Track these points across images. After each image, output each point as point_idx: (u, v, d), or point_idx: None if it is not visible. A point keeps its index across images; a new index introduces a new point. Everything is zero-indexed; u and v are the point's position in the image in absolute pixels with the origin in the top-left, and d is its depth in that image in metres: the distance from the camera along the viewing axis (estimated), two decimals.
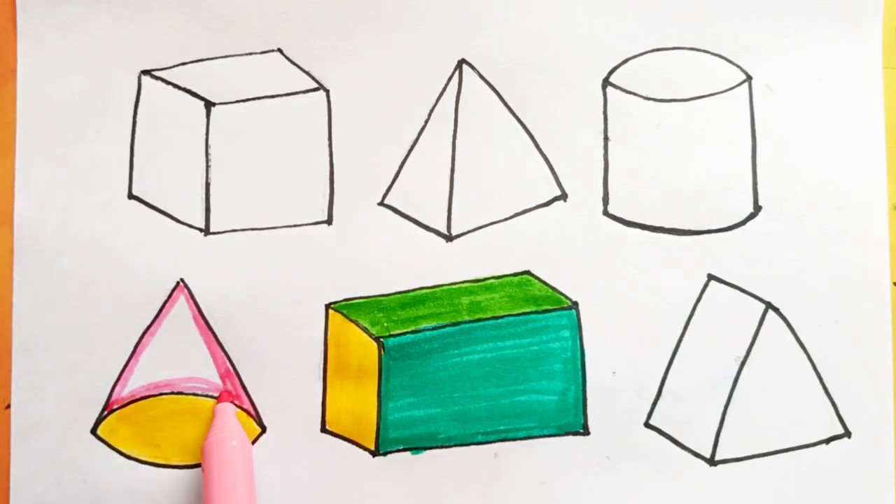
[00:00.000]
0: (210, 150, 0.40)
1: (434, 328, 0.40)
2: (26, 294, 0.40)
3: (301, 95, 0.41)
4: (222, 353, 0.40)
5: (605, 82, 0.41)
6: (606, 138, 0.41)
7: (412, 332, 0.40)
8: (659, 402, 0.40)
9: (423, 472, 0.40)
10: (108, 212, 0.40)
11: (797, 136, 0.41)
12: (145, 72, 0.41)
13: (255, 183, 0.40)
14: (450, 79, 0.41)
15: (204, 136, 0.40)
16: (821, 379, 0.40)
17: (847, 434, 0.40)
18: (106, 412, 0.40)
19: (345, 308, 0.40)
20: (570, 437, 0.40)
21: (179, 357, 0.40)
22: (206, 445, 0.37)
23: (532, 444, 0.40)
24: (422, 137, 0.41)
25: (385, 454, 0.40)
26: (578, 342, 0.40)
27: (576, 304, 0.40)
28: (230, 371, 0.40)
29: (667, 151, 0.41)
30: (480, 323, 0.40)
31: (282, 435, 0.40)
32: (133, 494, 0.39)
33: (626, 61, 0.41)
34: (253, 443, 0.40)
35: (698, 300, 0.40)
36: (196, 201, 0.40)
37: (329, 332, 0.40)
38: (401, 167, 0.41)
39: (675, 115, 0.41)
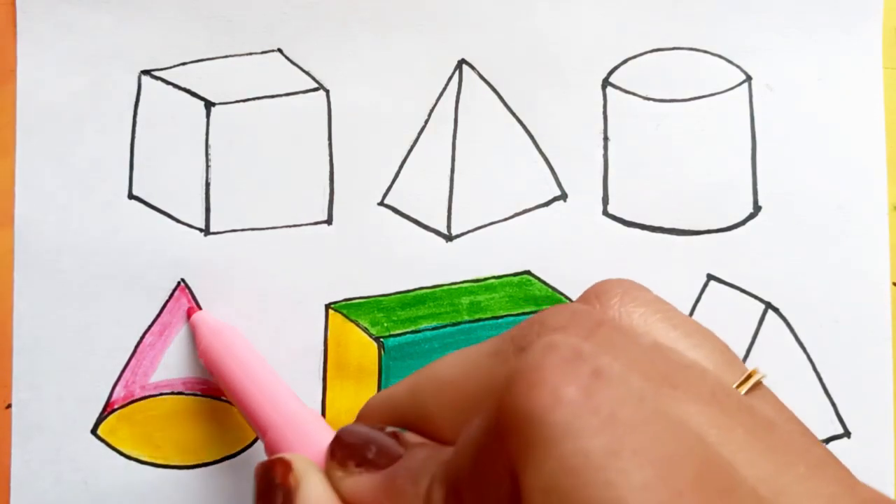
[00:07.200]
0: (210, 150, 0.40)
1: (434, 328, 0.40)
2: (26, 294, 0.40)
3: (301, 95, 0.41)
4: None
5: (605, 82, 0.41)
6: (606, 138, 0.41)
7: (412, 332, 0.40)
8: None
9: None
10: (108, 212, 0.40)
11: (797, 136, 0.41)
12: (145, 72, 0.41)
13: (255, 183, 0.40)
14: (450, 79, 0.41)
15: (204, 136, 0.40)
16: (820, 379, 0.40)
17: (846, 434, 0.40)
18: (106, 412, 0.40)
19: (345, 308, 0.40)
20: None
21: (179, 357, 0.40)
22: (204, 350, 0.37)
23: None
24: (422, 137, 0.41)
25: None
26: None
27: None
28: None
29: (667, 151, 0.41)
30: (480, 323, 0.40)
31: None
32: (133, 494, 0.39)
33: (626, 61, 0.41)
34: (253, 443, 0.40)
35: (698, 300, 0.40)
36: (196, 201, 0.40)
37: (329, 332, 0.40)
38: (401, 167, 0.41)
39: (675, 115, 0.41)
